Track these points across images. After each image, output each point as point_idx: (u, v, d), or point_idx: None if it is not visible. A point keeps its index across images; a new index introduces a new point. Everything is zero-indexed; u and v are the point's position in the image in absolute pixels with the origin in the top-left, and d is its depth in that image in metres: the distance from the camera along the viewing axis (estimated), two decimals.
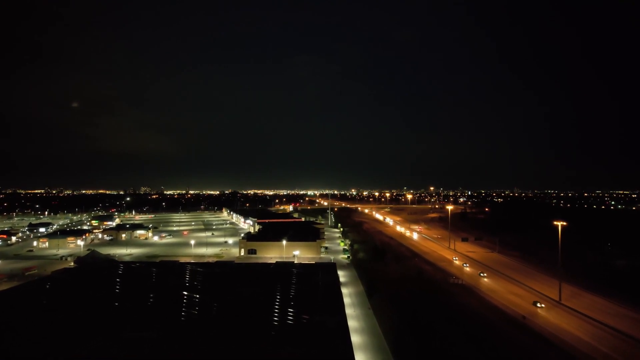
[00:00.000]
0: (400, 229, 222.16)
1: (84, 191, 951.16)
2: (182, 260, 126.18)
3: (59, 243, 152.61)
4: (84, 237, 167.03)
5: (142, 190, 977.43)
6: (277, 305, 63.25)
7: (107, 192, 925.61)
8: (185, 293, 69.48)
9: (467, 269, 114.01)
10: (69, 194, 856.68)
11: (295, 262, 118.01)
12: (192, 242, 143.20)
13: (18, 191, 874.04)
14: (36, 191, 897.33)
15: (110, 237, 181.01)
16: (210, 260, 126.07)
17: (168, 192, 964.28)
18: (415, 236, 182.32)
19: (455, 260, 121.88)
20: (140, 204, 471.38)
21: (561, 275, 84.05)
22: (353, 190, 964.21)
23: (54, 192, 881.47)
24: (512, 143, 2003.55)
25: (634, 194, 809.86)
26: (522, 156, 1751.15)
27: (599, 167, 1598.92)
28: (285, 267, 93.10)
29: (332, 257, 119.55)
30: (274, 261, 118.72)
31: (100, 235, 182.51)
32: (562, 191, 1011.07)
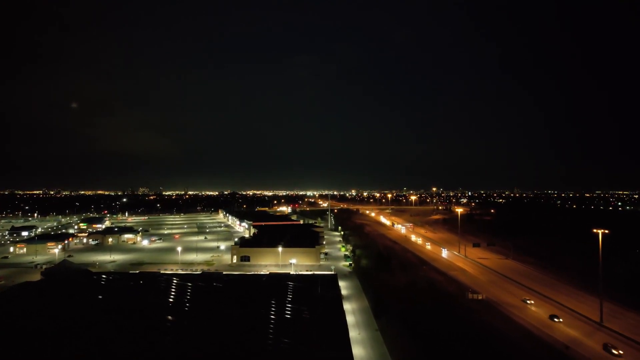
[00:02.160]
0: (403, 231, 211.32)
1: (82, 192, 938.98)
2: (168, 268, 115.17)
3: (37, 249, 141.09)
4: (66, 242, 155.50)
5: (141, 191, 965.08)
6: (270, 334, 52.12)
7: (106, 192, 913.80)
8: (158, 317, 58.28)
9: (482, 277, 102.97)
10: (67, 194, 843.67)
11: (292, 270, 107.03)
12: (179, 249, 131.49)
13: (16, 192, 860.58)
14: (34, 192, 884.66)
15: (96, 242, 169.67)
16: (199, 268, 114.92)
17: (167, 193, 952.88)
18: (428, 246, 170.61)
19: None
20: (136, 205, 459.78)
21: (602, 293, 72.67)
22: (353, 190, 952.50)
23: (52, 192, 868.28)
24: (510, 143, 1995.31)
25: (635, 195, 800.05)
26: (520, 156, 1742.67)
27: (597, 167, 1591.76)
28: (279, 280, 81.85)
29: (332, 267, 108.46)
30: (268, 270, 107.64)
31: (85, 240, 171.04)
32: (561, 191, 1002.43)
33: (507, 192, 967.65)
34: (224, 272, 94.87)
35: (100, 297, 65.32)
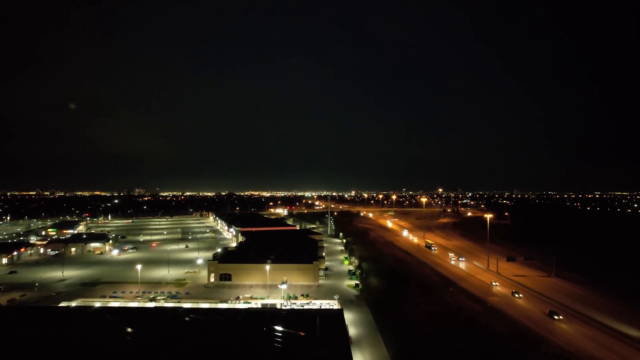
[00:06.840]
0: (413, 238, 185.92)
1: (78, 193, 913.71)
2: (127, 291, 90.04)
3: None
4: (15, 253, 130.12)
5: (137, 192, 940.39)
6: None
7: (102, 193, 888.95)
8: None
9: (533, 307, 78.30)
10: (61, 195, 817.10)
11: (284, 295, 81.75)
12: (139, 267, 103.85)
13: (9, 193, 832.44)
14: (29, 193, 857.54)
15: (56, 252, 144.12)
16: (165, 291, 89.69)
17: (164, 194, 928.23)
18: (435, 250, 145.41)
19: None
20: (126, 206, 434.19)
21: None
22: (352, 191, 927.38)
23: (46, 193, 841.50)
24: (509, 144, 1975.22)
25: (638, 195, 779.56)
26: (519, 157, 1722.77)
27: (596, 168, 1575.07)
28: (262, 321, 56.77)
29: (336, 297, 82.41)
30: (253, 293, 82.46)
31: (42, 250, 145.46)
32: (561, 192, 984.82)
33: (507, 193, 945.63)
34: (184, 307, 69.53)
35: None
